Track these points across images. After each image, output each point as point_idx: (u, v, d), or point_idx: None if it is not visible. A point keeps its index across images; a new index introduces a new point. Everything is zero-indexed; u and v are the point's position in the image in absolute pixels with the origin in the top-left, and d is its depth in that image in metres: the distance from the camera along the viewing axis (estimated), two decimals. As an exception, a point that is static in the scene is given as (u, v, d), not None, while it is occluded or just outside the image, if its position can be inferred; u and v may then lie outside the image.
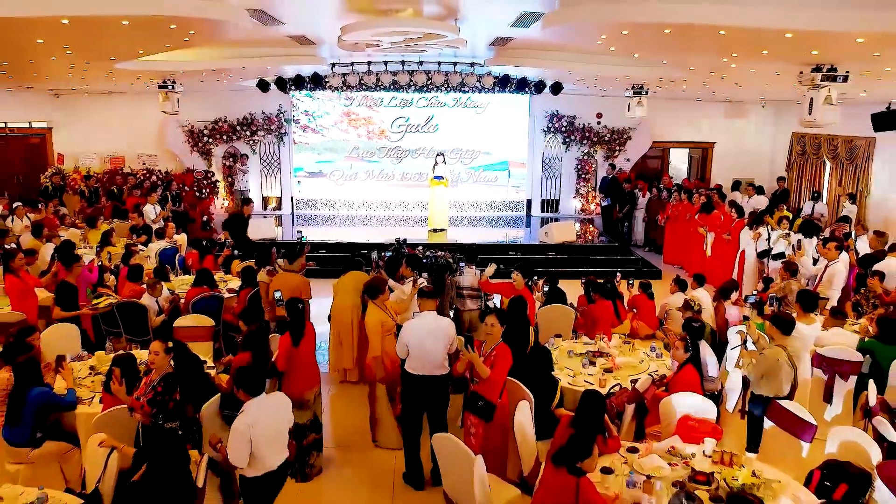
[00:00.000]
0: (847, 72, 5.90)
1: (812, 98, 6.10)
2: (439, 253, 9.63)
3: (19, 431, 4.89)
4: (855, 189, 12.72)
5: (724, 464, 4.36)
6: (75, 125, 15.22)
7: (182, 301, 7.75)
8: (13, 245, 9.58)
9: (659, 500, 3.87)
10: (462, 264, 7.81)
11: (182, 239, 10.93)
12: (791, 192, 14.62)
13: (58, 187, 14.07)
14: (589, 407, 4.43)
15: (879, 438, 4.79)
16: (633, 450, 4.54)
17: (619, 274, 8.80)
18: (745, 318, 6.79)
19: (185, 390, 4.89)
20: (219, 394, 5.07)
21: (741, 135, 15.90)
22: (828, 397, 6.25)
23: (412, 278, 7.23)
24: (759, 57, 5.87)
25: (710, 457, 4.46)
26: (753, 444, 5.28)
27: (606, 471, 4.25)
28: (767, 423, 5.21)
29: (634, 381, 5.59)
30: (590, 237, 13.91)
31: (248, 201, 11.10)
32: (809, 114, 6.20)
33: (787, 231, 9.92)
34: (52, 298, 7.42)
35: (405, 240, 9.68)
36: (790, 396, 5.34)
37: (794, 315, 6.00)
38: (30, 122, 15.75)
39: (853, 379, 6.17)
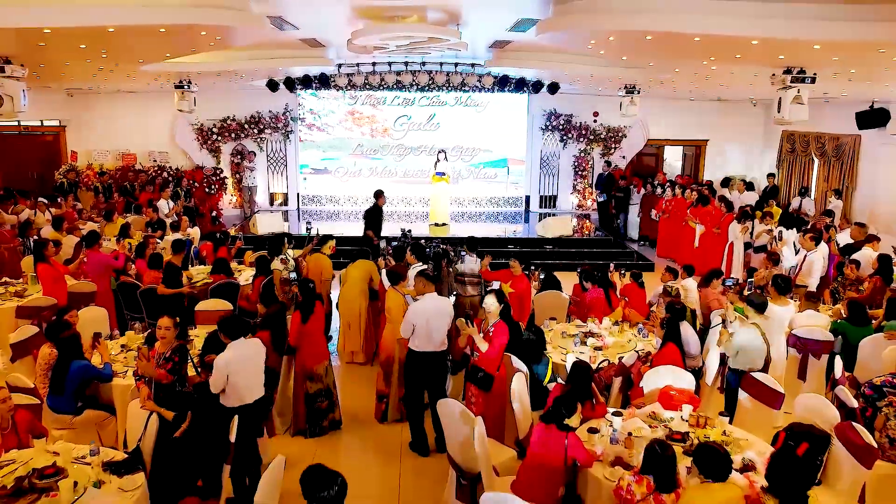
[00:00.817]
0: (815, 74, 6.40)
1: (781, 98, 6.61)
2: (442, 246, 10.14)
3: (62, 400, 5.39)
4: (841, 185, 13.22)
5: (698, 426, 4.86)
6: (88, 123, 15.66)
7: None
8: (36, 237, 10.14)
9: (639, 454, 4.36)
10: (463, 253, 8.32)
11: (195, 232, 11.41)
12: (781, 188, 15.13)
13: (72, 183, 14.55)
14: (577, 374, 4.96)
15: (841, 406, 5.29)
16: (617, 414, 5.05)
17: (612, 264, 9.31)
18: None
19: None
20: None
21: (733, 133, 16.37)
22: (802, 374, 6.76)
23: (418, 265, 7.72)
24: (734, 60, 6.38)
25: (686, 420, 4.97)
26: (729, 413, 5.77)
27: (593, 430, 4.76)
28: (743, 395, 5.72)
29: (622, 358, 6.09)
30: (586, 231, 14.41)
31: (380, 193, 10.92)
32: (778, 112, 6.70)
33: (769, 227, 10.43)
34: (79, 285, 7.95)
35: (410, 230, 10.19)
36: (764, 370, 5.85)
37: (769, 298, 6.51)
38: (41, 121, 16.21)
39: (825, 357, 6.68)
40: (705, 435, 4.63)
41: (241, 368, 4.90)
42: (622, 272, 9.09)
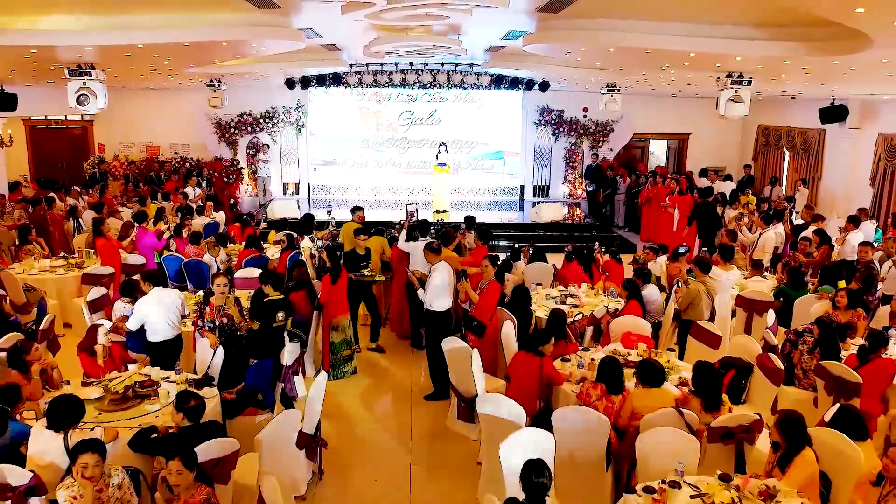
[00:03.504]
0: (751, 78, 7.66)
1: (718, 98, 7.88)
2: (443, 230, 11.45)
3: (139, 343, 6.63)
4: (808, 175, 14.48)
5: (649, 358, 6.12)
6: (114, 117, 16.74)
7: (234, 262, 9.53)
8: (80, 218, 11.44)
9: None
10: (462, 230, 9.59)
11: (220, 216, 12.67)
12: (756, 178, 16.38)
13: (103, 173, 15.78)
14: (554, 318, 6.25)
15: (767, 345, 6.56)
16: (585, 350, 6.32)
17: (597, 243, 10.62)
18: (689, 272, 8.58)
19: (257, 313, 6.68)
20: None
21: (713, 127, 17.48)
22: (748, 329, 8.02)
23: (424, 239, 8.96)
24: (684, 67, 7.65)
25: (640, 355, 6.23)
26: (680, 354, 7.05)
27: (565, 360, 6.04)
28: (692, 340, 6.99)
29: (593, 312, 7.36)
30: (576, 218, 15.67)
31: (711, 191, 11.56)
32: (716, 108, 7.96)
33: (739, 212, 11.67)
34: (131, 257, 9.20)
35: (417, 209, 11.56)
36: (711, 320, 7.12)
37: (717, 264, 7.80)
38: (65, 115, 17.37)
39: (765, 315, 7.95)
40: (652, 362, 5.88)
41: (154, 310, 6.18)
42: (602, 250, 10.39)
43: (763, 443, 4.82)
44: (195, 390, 4.96)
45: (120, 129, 16.83)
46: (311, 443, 5.32)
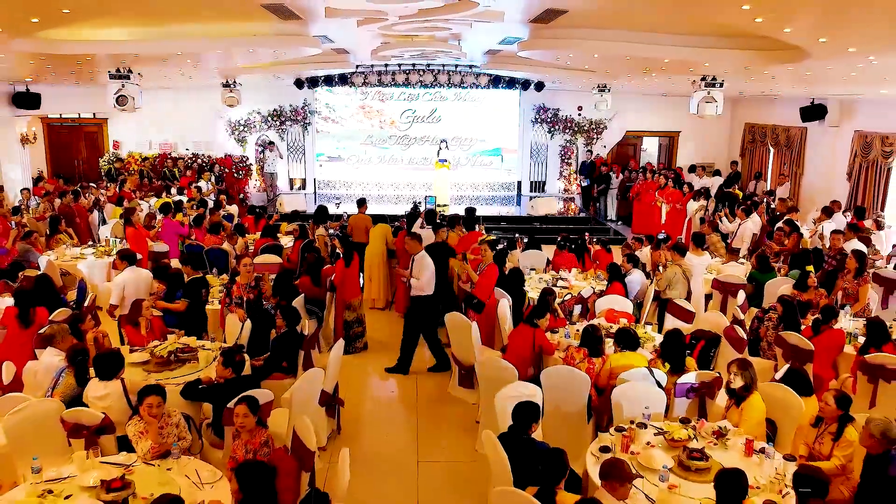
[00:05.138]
0: (723, 81, 8.42)
1: (691, 98, 8.64)
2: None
3: (172, 318, 7.39)
4: (791, 170, 15.24)
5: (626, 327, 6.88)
6: (127, 115, 17.31)
7: (251, 250, 10.28)
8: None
9: (583, 343, 6.37)
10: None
11: (234, 209, 13.40)
12: (743, 174, 17.13)
13: (118, 170, 16.51)
14: (543, 295, 7.01)
15: (735, 319, 7.31)
16: (572, 324, 7.08)
17: (587, 234, 11.38)
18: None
19: (280, 291, 7.43)
20: (302, 294, 7.62)
21: (703, 125, 18.18)
22: (723, 309, 8.78)
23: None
24: (663, 71, 8.41)
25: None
26: (660, 329, 7.80)
27: (554, 332, 6.79)
28: (669, 317, 7.75)
29: (580, 292, 8.12)
30: (571, 212, 16.43)
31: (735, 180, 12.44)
32: (690, 108, 8.72)
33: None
34: (156, 245, 9.94)
35: (420, 202, 12.33)
36: (687, 300, 7.88)
37: (690, 250, 8.57)
38: (79, 114, 18.07)
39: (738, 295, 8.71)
40: (631, 333, 6.63)
41: (129, 287, 7.31)
42: (595, 240, 11.16)
43: (722, 398, 5.58)
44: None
45: (133, 127, 17.47)
46: (331, 400, 6.08)
